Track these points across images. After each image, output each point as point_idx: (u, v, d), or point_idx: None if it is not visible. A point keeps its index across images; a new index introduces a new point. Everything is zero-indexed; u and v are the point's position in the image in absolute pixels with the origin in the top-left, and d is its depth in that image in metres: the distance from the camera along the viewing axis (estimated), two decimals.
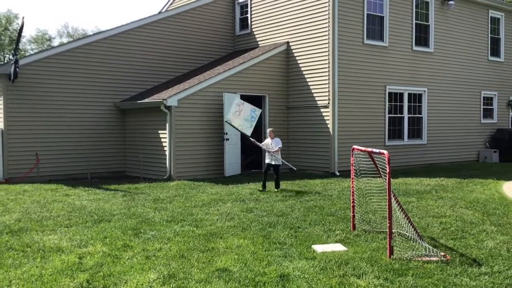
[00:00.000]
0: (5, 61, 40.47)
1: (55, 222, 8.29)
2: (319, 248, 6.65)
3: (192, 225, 8.11)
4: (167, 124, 14.11)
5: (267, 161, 12.02)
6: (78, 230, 7.77)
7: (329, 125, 15.29)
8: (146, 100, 14.83)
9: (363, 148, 7.19)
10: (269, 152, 11.88)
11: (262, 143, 12.21)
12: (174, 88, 14.92)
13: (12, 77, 13.55)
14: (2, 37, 47.26)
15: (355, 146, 7.59)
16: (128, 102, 15.68)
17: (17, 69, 13.54)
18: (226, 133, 14.68)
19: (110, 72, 15.75)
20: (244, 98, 15.68)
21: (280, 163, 11.92)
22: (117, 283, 5.29)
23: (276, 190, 11.59)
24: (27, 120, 14.35)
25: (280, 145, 11.92)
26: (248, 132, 13.02)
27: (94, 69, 15.45)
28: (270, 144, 11.93)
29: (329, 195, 11.01)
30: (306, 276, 5.54)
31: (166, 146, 14.23)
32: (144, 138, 15.30)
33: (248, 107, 13.29)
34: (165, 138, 14.22)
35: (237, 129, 13.08)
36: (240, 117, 12.96)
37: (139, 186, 12.67)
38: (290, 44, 16.38)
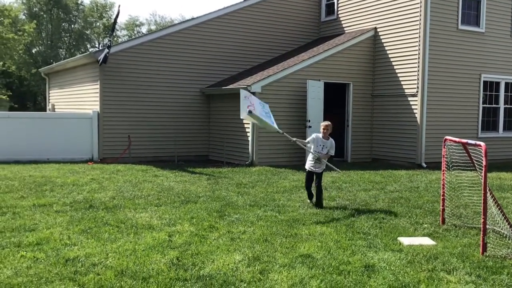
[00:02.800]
0: (100, 48, 43.01)
1: (146, 201, 8.72)
2: (405, 240, 6.45)
3: (275, 211, 8.18)
4: None
5: (309, 166, 8.61)
6: (167, 209, 8.12)
7: (416, 115, 14.70)
8: (231, 86, 15.10)
9: (457, 139, 6.84)
10: (316, 154, 8.45)
11: (308, 140, 8.69)
12: (258, 75, 15.06)
13: (100, 61, 14.35)
14: (98, 24, 50.17)
15: (448, 137, 7.24)
16: (213, 88, 16.06)
17: (107, 55, 14.29)
18: (309, 120, 14.61)
19: (197, 58, 16.18)
20: (328, 85, 15.49)
21: (323, 169, 8.66)
22: (204, 262, 5.47)
23: (318, 208, 8.36)
24: (120, 103, 15.16)
25: (332, 152, 8.54)
26: (275, 126, 8.83)
27: (182, 56, 15.95)
28: (321, 145, 8.45)
29: (415, 187, 10.63)
30: (392, 268, 5.40)
31: (249, 132, 14.43)
32: (227, 124, 15.62)
33: (255, 99, 8.83)
34: (248, 124, 14.41)
35: (263, 121, 8.64)
36: (257, 112, 8.58)
37: (223, 170, 12.98)
38: (378, 30, 15.87)
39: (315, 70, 15.01)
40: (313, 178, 8.59)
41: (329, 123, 8.58)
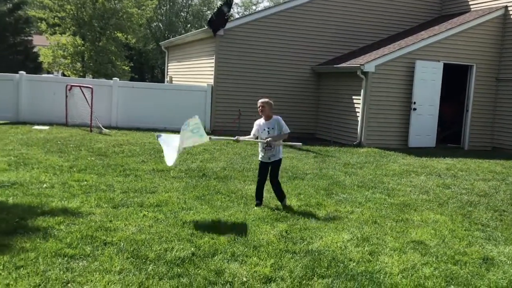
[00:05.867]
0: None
1: (254, 174, 8.89)
2: None
3: (384, 193, 7.98)
4: (362, 90, 13.93)
5: (260, 157, 6.91)
6: None
7: None
8: (343, 64, 14.81)
9: None
10: (265, 144, 6.71)
11: (253, 132, 6.94)
12: (372, 54, 14.58)
13: (209, 22, 15.06)
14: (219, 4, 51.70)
15: None
16: (324, 66, 15.87)
17: (213, 17, 14.78)
18: (414, 103, 13.92)
19: (309, 35, 16.02)
20: (448, 66, 14.57)
21: (281, 156, 6.91)
22: (312, 238, 5.51)
23: (283, 205, 6.85)
24: (232, 78, 15.57)
25: (288, 130, 6.81)
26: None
27: (294, 33, 15.89)
28: (266, 129, 6.74)
29: None
30: None
31: (358, 112, 14.10)
32: (337, 103, 15.38)
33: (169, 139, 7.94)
34: (359, 104, 14.08)
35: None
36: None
37: (330, 149, 12.88)
38: (509, 8, 14.53)
39: (434, 50, 14.18)
40: (267, 171, 6.81)
41: (263, 100, 6.86)
